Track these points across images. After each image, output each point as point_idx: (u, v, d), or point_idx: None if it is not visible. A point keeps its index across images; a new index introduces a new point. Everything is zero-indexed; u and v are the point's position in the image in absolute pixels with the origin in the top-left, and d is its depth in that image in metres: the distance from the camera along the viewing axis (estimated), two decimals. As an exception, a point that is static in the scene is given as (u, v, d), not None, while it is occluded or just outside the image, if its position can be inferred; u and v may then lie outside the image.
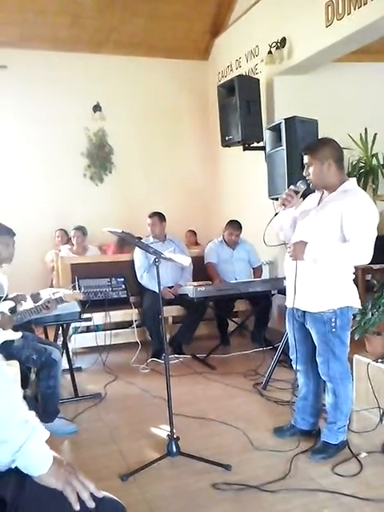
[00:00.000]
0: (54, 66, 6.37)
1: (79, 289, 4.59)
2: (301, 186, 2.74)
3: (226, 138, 4.77)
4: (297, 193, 2.74)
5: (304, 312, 2.71)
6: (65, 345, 3.74)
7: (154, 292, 4.37)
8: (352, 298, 2.65)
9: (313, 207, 2.72)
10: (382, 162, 5.65)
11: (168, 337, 4.63)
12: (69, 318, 3.54)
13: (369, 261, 2.51)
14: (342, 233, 2.53)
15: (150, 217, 4.97)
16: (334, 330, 2.60)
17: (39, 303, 3.07)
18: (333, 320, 2.59)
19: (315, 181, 2.67)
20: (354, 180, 2.70)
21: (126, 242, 5.77)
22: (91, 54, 6.50)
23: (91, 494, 1.20)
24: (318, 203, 2.71)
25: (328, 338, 2.62)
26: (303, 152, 2.73)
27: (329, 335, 2.61)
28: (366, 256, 2.48)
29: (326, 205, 2.63)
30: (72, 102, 6.47)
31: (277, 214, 2.81)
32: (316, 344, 2.69)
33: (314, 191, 2.81)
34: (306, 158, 2.69)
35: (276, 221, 2.85)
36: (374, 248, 2.49)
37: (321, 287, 2.60)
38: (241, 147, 4.75)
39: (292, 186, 2.77)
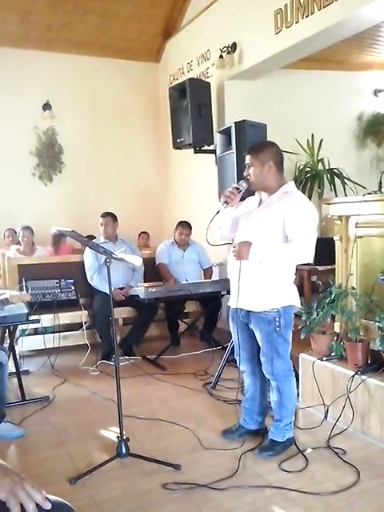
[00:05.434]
0: (3, 63, 6.20)
1: (26, 290, 4.50)
2: (243, 185, 2.77)
3: (178, 141, 4.80)
4: (239, 191, 2.77)
5: (248, 312, 2.74)
6: (11, 347, 3.66)
7: (105, 293, 4.33)
8: (294, 298, 2.72)
9: (253, 209, 2.77)
10: (327, 167, 5.83)
11: (118, 338, 4.61)
12: (15, 320, 3.46)
13: (311, 259, 2.58)
14: (284, 233, 2.59)
15: (102, 216, 4.95)
16: (278, 329, 2.64)
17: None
18: (277, 319, 2.64)
19: (255, 181, 2.72)
20: (292, 183, 2.77)
21: (61, 239, 5.70)
22: (41, 51, 6.37)
23: (39, 506, 1.09)
24: (259, 205, 2.77)
25: (272, 337, 2.66)
26: (246, 152, 2.78)
27: (273, 334, 2.66)
28: (308, 254, 2.55)
29: (267, 206, 2.68)
30: (21, 100, 6.32)
31: (219, 211, 2.82)
32: (260, 343, 2.73)
33: (254, 193, 2.86)
34: (247, 159, 2.74)
35: (216, 219, 2.86)
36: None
37: (265, 287, 2.65)
38: (192, 150, 4.80)
39: (234, 184, 2.81)
